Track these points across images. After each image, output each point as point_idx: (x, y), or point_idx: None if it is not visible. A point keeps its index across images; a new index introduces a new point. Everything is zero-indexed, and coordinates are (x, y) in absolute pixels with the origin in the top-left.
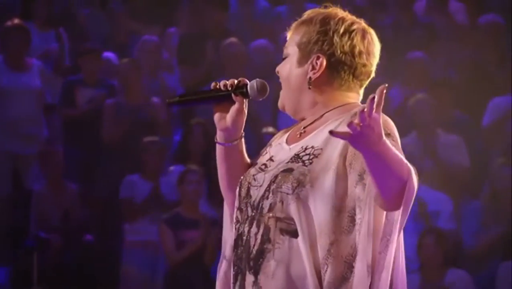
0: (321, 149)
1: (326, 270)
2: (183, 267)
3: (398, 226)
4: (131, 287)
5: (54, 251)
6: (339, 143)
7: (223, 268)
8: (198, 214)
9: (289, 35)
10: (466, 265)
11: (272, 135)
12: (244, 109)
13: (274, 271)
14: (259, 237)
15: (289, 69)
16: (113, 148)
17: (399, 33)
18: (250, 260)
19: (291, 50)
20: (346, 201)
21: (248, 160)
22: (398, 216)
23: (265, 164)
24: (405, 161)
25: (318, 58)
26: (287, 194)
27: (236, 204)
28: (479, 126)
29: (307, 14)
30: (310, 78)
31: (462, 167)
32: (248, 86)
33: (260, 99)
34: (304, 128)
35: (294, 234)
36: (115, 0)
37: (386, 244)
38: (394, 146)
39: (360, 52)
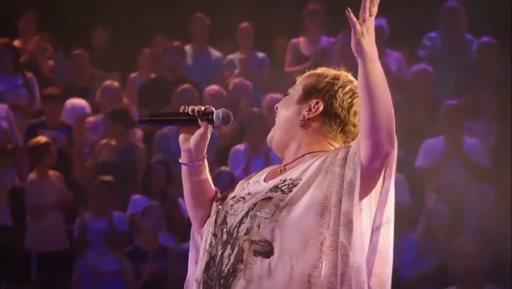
0: (300, 179)
1: (321, 268)
2: None
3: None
4: None
5: None
6: (315, 167)
7: None
8: (157, 246)
9: (298, 79)
10: None
11: (228, 173)
12: (208, 134)
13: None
14: (232, 258)
15: (287, 105)
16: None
17: None
18: (220, 278)
19: (296, 89)
20: (327, 202)
21: (210, 180)
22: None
23: (243, 197)
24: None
25: (317, 103)
26: (265, 218)
27: (212, 230)
28: (415, 165)
29: (321, 69)
30: (303, 116)
31: (403, 204)
32: (214, 114)
33: (224, 127)
34: (284, 166)
35: (267, 255)
36: (78, 48)
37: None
38: None
39: (355, 113)
